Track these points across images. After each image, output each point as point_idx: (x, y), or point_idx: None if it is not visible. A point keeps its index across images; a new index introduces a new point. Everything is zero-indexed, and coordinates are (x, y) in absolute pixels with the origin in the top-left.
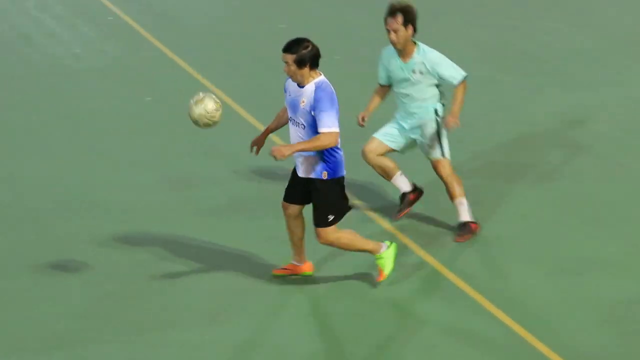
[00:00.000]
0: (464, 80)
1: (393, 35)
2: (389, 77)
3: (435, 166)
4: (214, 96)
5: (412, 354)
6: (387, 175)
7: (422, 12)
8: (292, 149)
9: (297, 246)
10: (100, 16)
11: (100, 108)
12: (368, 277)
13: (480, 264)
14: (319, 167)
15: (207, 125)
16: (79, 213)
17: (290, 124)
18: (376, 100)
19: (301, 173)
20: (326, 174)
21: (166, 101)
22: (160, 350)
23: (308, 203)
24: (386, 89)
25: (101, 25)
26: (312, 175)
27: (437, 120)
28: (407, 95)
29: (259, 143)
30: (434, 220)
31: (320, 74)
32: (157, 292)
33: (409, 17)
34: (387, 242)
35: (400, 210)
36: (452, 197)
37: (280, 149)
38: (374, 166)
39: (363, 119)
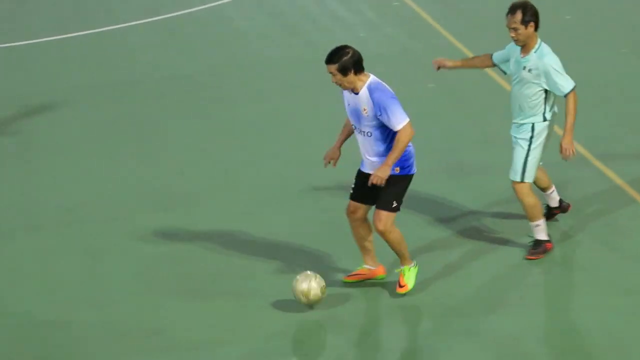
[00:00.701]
0: (573, 92)
1: (513, 33)
2: (505, 64)
3: (513, 186)
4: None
5: None
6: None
7: None
8: (388, 167)
9: (368, 249)
10: (386, 1)
11: None
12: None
13: None
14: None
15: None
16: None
17: (356, 133)
18: (476, 60)
19: (372, 170)
20: (398, 169)
21: (449, 89)
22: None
23: (374, 204)
24: (488, 61)
25: (386, 11)
26: None
27: (530, 139)
28: (514, 91)
29: (334, 156)
30: None
31: (369, 75)
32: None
33: (528, 15)
34: (414, 262)
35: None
36: (528, 219)
37: (379, 174)
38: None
39: None
